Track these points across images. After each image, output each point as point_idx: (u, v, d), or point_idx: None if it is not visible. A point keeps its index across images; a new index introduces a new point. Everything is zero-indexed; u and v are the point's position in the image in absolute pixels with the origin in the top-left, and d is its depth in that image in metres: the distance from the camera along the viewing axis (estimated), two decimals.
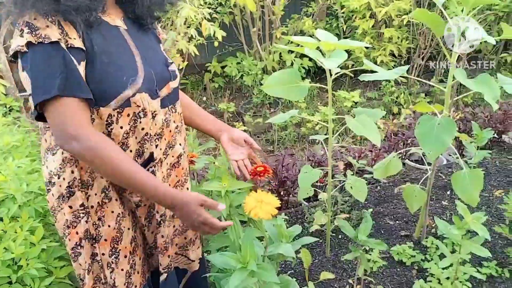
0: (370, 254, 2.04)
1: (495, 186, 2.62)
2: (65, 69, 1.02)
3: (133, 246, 1.26)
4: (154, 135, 1.22)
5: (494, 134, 2.55)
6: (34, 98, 1.02)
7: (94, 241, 1.19)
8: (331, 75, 1.75)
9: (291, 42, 3.91)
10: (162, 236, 1.29)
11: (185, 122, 1.45)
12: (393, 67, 4.24)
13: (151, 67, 1.19)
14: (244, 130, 3.74)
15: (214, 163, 1.73)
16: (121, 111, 1.12)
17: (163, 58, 1.27)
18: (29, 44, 1.01)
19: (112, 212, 1.20)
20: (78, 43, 1.05)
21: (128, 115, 1.14)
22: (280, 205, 1.20)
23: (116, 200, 1.20)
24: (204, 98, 4.53)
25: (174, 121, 1.29)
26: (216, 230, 1.19)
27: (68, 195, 1.15)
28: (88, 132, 1.05)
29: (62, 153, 1.14)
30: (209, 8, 3.47)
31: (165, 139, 1.26)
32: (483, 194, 2.53)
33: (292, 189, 2.57)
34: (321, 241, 2.17)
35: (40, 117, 1.08)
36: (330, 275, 1.91)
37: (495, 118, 3.14)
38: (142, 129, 1.18)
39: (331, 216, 2.01)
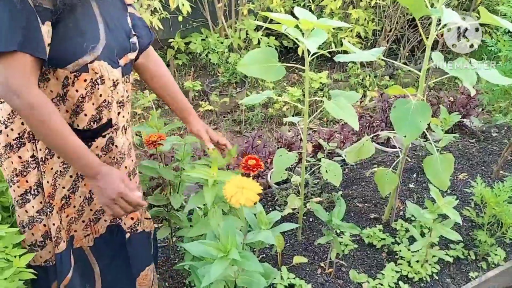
0: (341, 237, 2.04)
1: (459, 170, 2.68)
2: (27, 26, 1.03)
3: (63, 203, 1.31)
4: (117, 103, 1.28)
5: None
6: None
7: (42, 190, 1.25)
8: (309, 55, 1.69)
9: (258, 20, 3.80)
10: None
11: (156, 93, 1.55)
12: (359, 50, 4.24)
13: (113, 36, 1.21)
14: (210, 110, 3.64)
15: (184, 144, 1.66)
16: (78, 75, 1.16)
17: (126, 28, 1.29)
18: None
19: (51, 169, 1.25)
20: (47, 3, 1.05)
21: (85, 80, 1.17)
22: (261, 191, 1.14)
23: (58, 158, 1.25)
24: None
25: (126, 91, 1.34)
26: (128, 208, 1.20)
27: (18, 145, 1.20)
28: (30, 89, 1.06)
29: None
30: None
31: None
32: None
33: (262, 171, 2.52)
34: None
35: None
36: (303, 259, 1.90)
37: (458, 102, 3.20)
38: (100, 95, 1.22)
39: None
